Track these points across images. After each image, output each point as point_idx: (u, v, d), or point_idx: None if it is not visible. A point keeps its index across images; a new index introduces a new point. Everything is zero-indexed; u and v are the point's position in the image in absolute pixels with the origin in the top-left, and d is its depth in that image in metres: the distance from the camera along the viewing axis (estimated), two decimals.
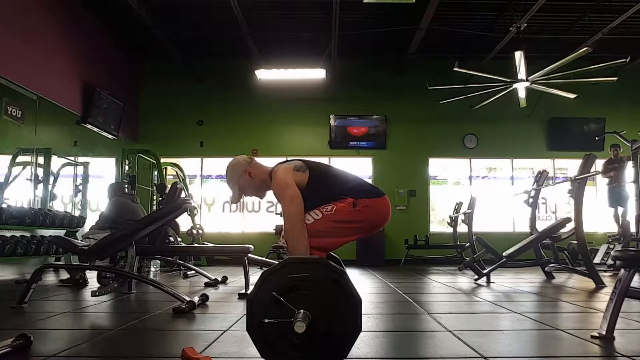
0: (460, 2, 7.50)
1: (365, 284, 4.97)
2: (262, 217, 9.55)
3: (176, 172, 8.81)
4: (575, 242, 5.08)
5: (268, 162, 2.36)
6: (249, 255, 4.37)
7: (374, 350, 2.02)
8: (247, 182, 2.23)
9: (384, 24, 8.00)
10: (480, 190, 9.17)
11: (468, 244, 7.27)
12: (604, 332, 2.11)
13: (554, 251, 5.46)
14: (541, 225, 5.69)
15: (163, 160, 8.33)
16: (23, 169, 6.42)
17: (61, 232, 5.76)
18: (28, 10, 6.32)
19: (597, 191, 9.17)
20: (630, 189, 6.87)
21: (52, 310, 3.18)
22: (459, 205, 8.16)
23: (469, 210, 7.00)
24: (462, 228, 7.80)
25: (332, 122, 9.55)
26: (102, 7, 7.74)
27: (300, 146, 9.48)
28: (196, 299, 3.21)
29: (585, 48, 6.11)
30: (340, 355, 1.62)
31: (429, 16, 7.27)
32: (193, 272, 5.54)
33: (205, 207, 9.65)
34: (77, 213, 6.85)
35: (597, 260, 6.40)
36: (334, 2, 6.81)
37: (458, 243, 8.32)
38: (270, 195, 2.20)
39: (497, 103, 7.93)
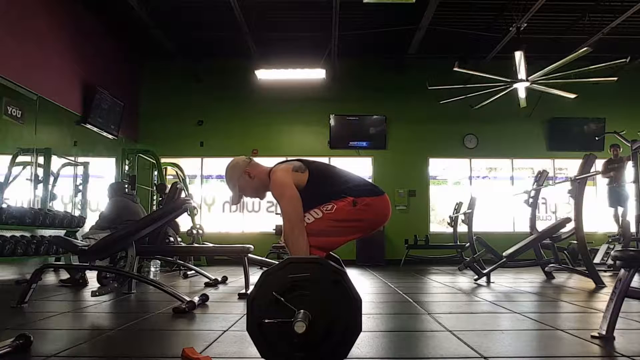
0: (460, 2, 7.50)
1: (365, 284, 4.97)
2: (262, 217, 9.55)
3: (176, 172, 8.81)
4: (575, 242, 5.08)
5: (268, 162, 2.36)
6: (249, 255, 4.37)
7: (374, 350, 2.02)
8: (246, 183, 2.23)
9: (384, 24, 8.00)
10: (480, 190, 9.17)
11: (468, 244, 7.27)
12: (604, 332, 2.11)
13: (554, 251, 5.46)
14: (541, 225, 5.69)
15: (163, 160, 8.33)
16: (23, 169, 6.40)
17: (61, 232, 5.76)
18: (28, 10, 6.32)
19: (597, 191, 9.17)
20: (630, 189, 6.87)
21: (52, 310, 3.18)
22: (459, 205, 8.16)
23: (469, 210, 7.00)
24: (462, 228, 7.80)
25: (332, 122, 9.55)
26: (102, 7, 7.74)
27: (300, 146, 9.49)
28: (196, 299, 3.21)
29: (585, 48, 6.12)
30: (340, 355, 1.62)
31: (429, 16, 7.28)
32: (193, 272, 5.54)
33: (205, 207, 9.65)
34: (77, 213, 6.85)
35: (597, 260, 6.40)
36: (334, 2, 6.81)
37: (458, 243, 8.33)
38: (270, 195, 2.20)
39: (497, 103, 7.93)
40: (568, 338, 2.22)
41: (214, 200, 9.71)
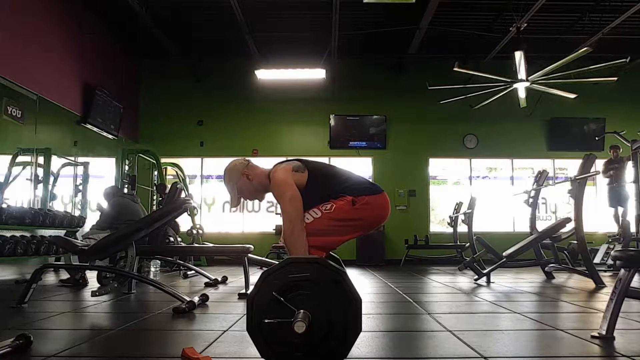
0: (460, 2, 7.50)
1: (365, 284, 4.97)
2: (262, 217, 9.55)
3: (176, 172, 8.81)
4: (575, 242, 5.08)
5: (268, 162, 2.36)
6: (249, 255, 4.37)
7: (374, 350, 2.02)
8: (245, 185, 2.23)
9: (384, 24, 8.00)
10: (480, 190, 9.17)
11: (468, 244, 7.28)
12: (604, 332, 2.11)
13: (554, 251, 5.46)
14: (541, 225, 5.68)
15: (163, 160, 8.33)
16: (23, 169, 6.40)
17: (61, 232, 5.75)
18: (28, 10, 6.32)
19: (597, 191, 9.17)
20: (630, 189, 6.87)
21: (52, 310, 3.18)
22: (459, 205, 8.15)
23: (469, 210, 7.00)
24: (462, 228, 7.80)
25: (332, 122, 9.55)
26: (102, 7, 7.74)
27: (300, 146, 9.48)
28: (196, 299, 3.21)
29: (585, 48, 6.11)
30: (340, 355, 1.62)
31: (429, 16, 7.28)
32: (193, 272, 5.54)
33: (205, 207, 9.65)
34: (77, 213, 6.85)
35: (597, 260, 6.40)
36: (334, 2, 6.81)
37: (458, 243, 8.32)
38: (270, 195, 2.20)
39: (497, 103, 7.93)
40: (568, 338, 2.22)
41: (214, 200, 9.71)
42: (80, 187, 7.37)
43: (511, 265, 5.47)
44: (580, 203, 4.76)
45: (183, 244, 6.36)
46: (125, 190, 6.67)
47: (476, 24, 8.14)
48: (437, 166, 9.84)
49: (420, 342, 2.27)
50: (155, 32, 7.99)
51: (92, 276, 4.78)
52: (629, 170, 6.29)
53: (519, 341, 2.24)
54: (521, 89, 7.41)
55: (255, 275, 3.31)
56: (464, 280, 5.24)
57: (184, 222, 7.45)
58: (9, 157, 6.26)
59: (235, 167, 2.25)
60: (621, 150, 7.75)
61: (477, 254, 5.82)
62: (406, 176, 9.55)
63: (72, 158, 7.47)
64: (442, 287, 4.69)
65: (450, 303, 3.60)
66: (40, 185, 6.35)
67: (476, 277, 5.05)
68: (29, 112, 6.19)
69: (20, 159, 6.38)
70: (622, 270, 2.19)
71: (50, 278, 5.32)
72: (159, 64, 9.64)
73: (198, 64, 9.47)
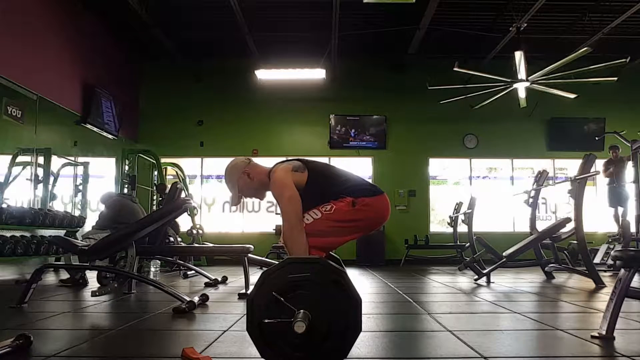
0: (460, 2, 7.50)
1: (365, 284, 4.97)
2: (262, 217, 9.55)
3: (176, 172, 8.82)
4: (575, 242, 5.08)
5: (268, 162, 2.36)
6: (249, 255, 4.37)
7: (374, 350, 2.02)
8: (246, 184, 2.22)
9: (384, 24, 8.00)
10: (480, 190, 9.17)
11: (468, 244, 7.27)
12: (604, 332, 2.11)
13: (554, 251, 5.46)
14: (541, 225, 5.68)
15: (163, 160, 8.34)
16: (23, 169, 6.41)
17: (61, 232, 5.76)
18: (28, 10, 6.32)
19: (597, 191, 9.17)
20: (630, 189, 6.87)
21: (52, 310, 3.18)
22: (459, 205, 8.15)
23: (469, 210, 7.00)
24: (462, 228, 7.80)
25: (332, 122, 9.55)
26: (102, 7, 7.74)
27: (300, 146, 9.48)
28: (196, 299, 3.21)
29: (585, 48, 6.12)
30: (340, 355, 1.62)
31: (429, 16, 7.28)
32: (193, 272, 5.54)
33: (205, 207, 9.65)
34: (77, 213, 6.85)
35: (597, 260, 6.40)
36: (334, 2, 6.81)
37: (458, 243, 8.32)
38: (270, 195, 2.20)
39: (497, 103, 7.93)
40: (568, 338, 2.22)
41: (214, 200, 9.71)
42: (80, 187, 7.38)
43: (511, 265, 5.46)
44: (580, 203, 4.76)
45: (183, 244, 6.36)
46: (125, 191, 6.68)
47: (476, 24, 8.14)
48: (437, 166, 9.85)
49: (420, 342, 2.27)
50: (155, 32, 7.99)
51: (92, 276, 4.78)
52: (629, 170, 6.29)
53: (519, 341, 2.24)
54: (521, 89, 7.41)
55: (255, 275, 3.31)
56: (464, 280, 5.24)
57: (184, 222, 7.45)
58: (9, 157, 6.26)
59: (236, 165, 2.25)
60: (621, 150, 7.75)
61: (477, 254, 5.81)
62: (406, 176, 9.56)
63: (72, 158, 7.48)
64: (442, 287, 4.69)
65: (450, 303, 3.60)
66: (40, 185, 6.36)
67: (476, 277, 5.05)
68: (29, 112, 6.19)
69: (20, 159, 6.38)
70: (622, 270, 2.19)
71: (50, 278, 5.31)
72: (159, 64, 9.64)
73: (198, 64, 9.47)
